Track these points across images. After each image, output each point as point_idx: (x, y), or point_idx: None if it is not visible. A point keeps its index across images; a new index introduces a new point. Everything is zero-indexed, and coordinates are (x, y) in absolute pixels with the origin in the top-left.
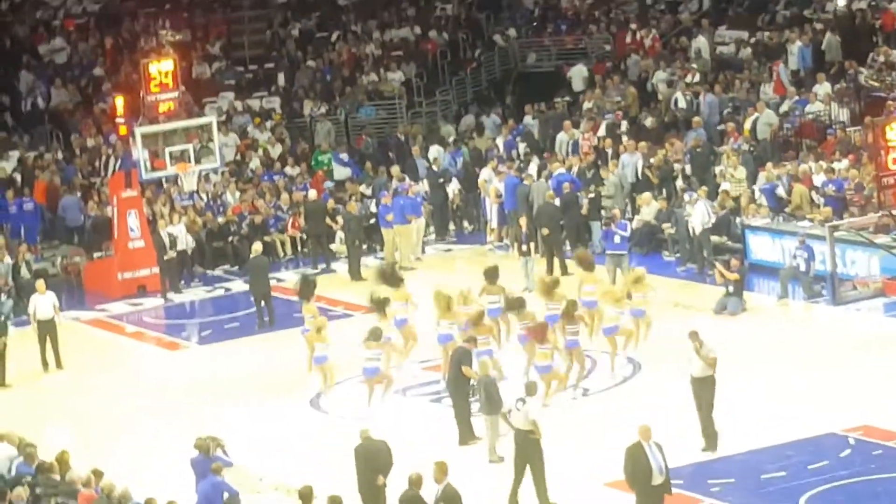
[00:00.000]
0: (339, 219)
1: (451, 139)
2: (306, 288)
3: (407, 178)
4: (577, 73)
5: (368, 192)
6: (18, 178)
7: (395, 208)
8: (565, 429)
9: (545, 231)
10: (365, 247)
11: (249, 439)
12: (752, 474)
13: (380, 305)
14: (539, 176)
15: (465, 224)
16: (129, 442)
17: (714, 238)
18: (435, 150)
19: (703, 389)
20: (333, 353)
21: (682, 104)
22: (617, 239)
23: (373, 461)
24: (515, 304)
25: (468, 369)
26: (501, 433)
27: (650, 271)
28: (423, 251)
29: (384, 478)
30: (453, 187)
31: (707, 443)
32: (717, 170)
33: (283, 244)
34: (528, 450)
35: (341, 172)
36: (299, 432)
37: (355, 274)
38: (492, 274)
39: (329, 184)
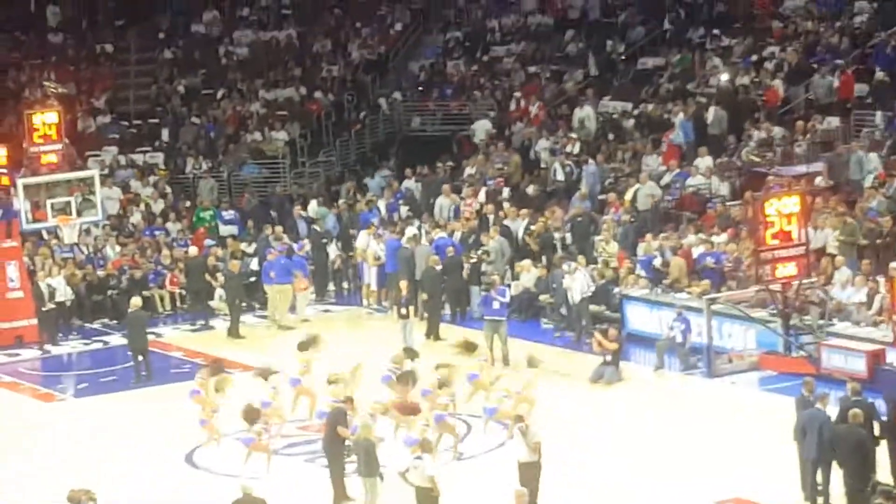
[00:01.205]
0: (220, 276)
1: (340, 201)
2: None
3: (287, 238)
4: (481, 128)
5: (250, 250)
6: None
7: (276, 266)
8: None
9: (425, 296)
10: (245, 305)
11: (123, 494)
12: None
13: (263, 374)
14: (420, 239)
15: (344, 285)
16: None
17: (593, 307)
18: (315, 210)
19: (528, 475)
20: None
21: (559, 175)
22: (496, 305)
23: None
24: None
25: (343, 430)
26: (379, 493)
27: (528, 338)
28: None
29: None
30: (333, 248)
31: None
32: (596, 239)
33: (162, 299)
34: None
35: (225, 230)
36: (174, 488)
37: (234, 332)
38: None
39: (210, 242)
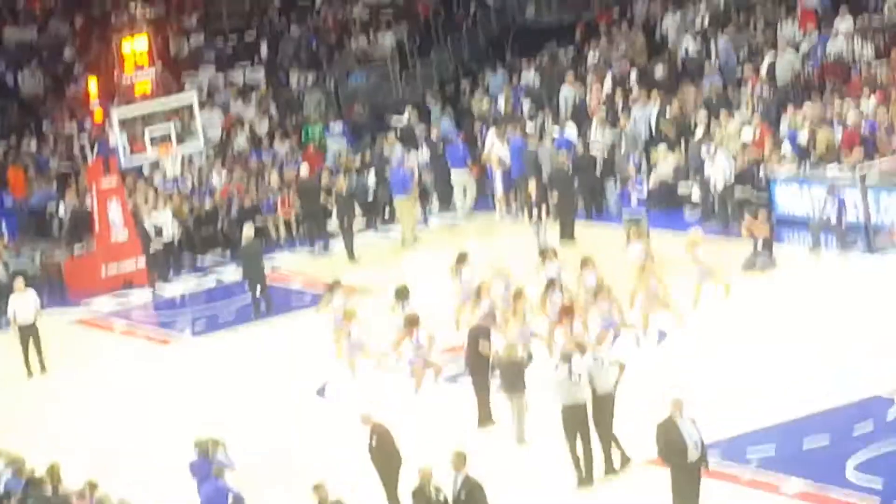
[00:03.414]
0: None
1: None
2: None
3: (402, 146)
4: None
5: (359, 162)
6: None
7: (393, 177)
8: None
9: (555, 197)
10: (364, 221)
11: (252, 436)
12: (793, 443)
13: (400, 295)
14: (542, 134)
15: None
16: (124, 447)
17: (738, 191)
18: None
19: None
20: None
21: (691, 50)
22: (633, 200)
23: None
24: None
25: (485, 345)
26: (527, 411)
27: (671, 228)
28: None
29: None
30: None
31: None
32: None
33: (276, 226)
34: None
35: (335, 145)
36: (306, 425)
37: (350, 254)
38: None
39: (330, 160)
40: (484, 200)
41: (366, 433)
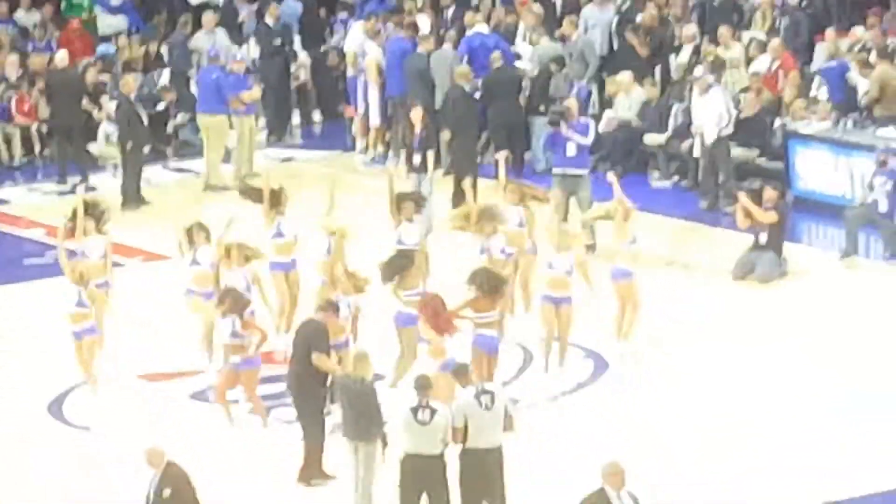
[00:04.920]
0: (106, 101)
1: None
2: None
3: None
4: None
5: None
6: None
7: (202, 84)
8: None
9: (448, 134)
10: (147, 148)
11: None
12: None
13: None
14: (442, 39)
15: (317, 117)
16: None
17: (737, 152)
18: None
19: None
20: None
21: None
22: (572, 149)
23: None
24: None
25: (324, 359)
26: (379, 465)
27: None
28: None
29: None
30: (302, 58)
31: None
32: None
33: (8, 141)
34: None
35: (110, 22)
36: (37, 460)
37: (131, 195)
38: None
39: (104, 47)
40: (335, 130)
41: (150, 479)
